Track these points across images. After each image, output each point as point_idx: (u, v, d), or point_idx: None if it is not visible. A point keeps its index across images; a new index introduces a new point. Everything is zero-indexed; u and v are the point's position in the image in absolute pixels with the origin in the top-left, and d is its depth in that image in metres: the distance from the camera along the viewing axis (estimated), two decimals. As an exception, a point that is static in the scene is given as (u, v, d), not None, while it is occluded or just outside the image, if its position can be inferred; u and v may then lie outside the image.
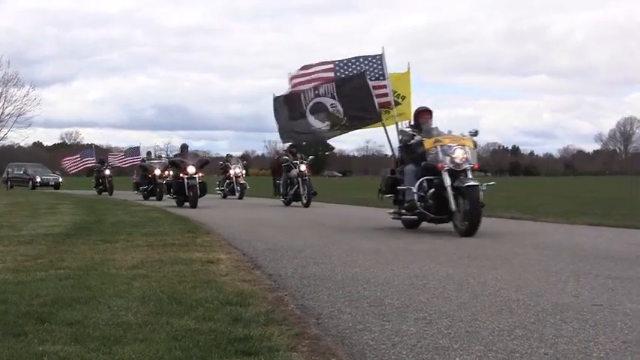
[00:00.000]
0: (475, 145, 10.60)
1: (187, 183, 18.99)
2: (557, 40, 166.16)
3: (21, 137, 60.64)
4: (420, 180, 10.39)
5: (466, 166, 10.13)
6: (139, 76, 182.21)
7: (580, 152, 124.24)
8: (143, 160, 29.27)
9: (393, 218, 11.51)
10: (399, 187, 11.10)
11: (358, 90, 12.18)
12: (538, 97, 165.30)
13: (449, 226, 10.29)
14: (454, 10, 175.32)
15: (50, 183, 44.81)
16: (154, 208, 17.39)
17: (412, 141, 10.87)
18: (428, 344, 3.71)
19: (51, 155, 78.74)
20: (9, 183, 45.36)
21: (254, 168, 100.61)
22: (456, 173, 10.05)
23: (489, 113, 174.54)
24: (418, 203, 10.33)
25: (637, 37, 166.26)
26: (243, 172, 27.36)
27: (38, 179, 44.73)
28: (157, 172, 25.40)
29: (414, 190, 10.38)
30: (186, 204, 19.04)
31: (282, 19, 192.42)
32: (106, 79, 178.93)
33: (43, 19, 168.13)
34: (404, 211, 10.97)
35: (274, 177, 28.50)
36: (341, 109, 12.27)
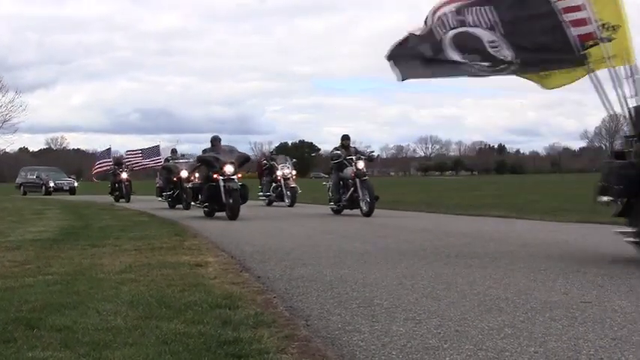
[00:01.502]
0: None
1: (225, 187, 14.49)
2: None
3: (7, 143, 60.27)
4: None
5: None
6: (121, 80, 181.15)
7: (566, 150, 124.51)
8: (167, 160, 23.98)
9: (631, 242, 6.86)
10: None
11: (536, 14, 7.36)
12: (522, 95, 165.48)
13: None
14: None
15: (64, 188, 41.91)
16: (141, 212, 17.30)
17: None
18: (417, 344, 3.72)
19: (37, 161, 78.15)
20: (22, 188, 42.92)
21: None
22: None
23: (473, 112, 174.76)
24: None
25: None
26: (294, 172, 22.09)
27: (52, 184, 41.92)
28: (184, 174, 20.20)
29: None
30: (218, 213, 14.87)
31: (263, 21, 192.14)
32: (88, 84, 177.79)
33: (23, 24, 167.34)
34: None
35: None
36: (509, 52, 7.57)
